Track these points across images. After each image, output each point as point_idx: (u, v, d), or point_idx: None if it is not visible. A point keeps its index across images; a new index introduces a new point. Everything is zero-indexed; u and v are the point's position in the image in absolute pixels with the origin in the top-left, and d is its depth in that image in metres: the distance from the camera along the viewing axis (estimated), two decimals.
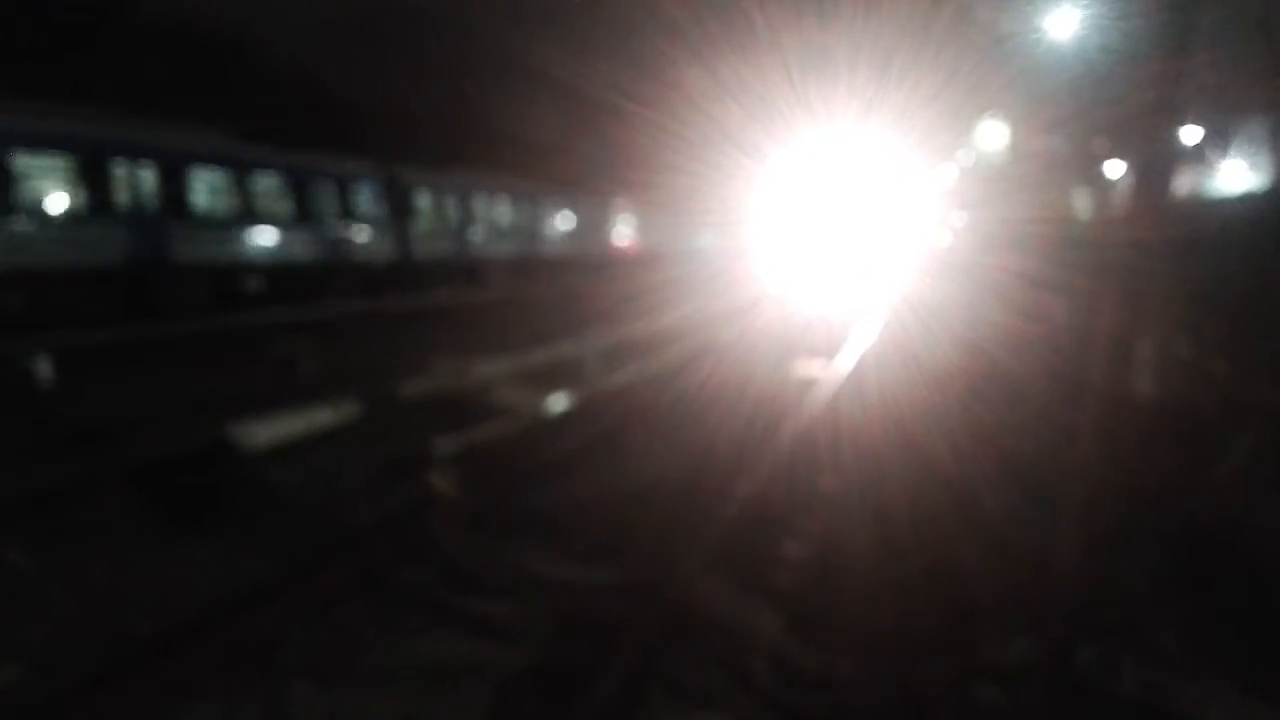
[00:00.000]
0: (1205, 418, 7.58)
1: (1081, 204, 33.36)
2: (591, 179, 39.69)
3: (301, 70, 35.70)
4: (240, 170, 23.17)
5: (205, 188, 22.30)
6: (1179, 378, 8.10)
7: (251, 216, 23.35)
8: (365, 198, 27.87)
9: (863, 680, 4.95)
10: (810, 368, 13.91)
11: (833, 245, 33.50)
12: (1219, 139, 31.70)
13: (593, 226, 40.00)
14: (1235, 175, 32.33)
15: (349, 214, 26.97)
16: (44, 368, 10.22)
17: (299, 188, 25.10)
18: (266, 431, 9.12)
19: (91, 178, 19.17)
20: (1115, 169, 29.70)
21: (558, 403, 10.16)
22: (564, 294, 26.59)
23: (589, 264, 37.47)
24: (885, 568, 6.13)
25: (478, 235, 32.94)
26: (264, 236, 23.66)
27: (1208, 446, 7.25)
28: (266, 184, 24.05)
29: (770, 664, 5.07)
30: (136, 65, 28.53)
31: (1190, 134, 30.53)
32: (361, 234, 27.40)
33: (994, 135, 37.52)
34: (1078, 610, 4.74)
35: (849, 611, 5.62)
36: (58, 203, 18.59)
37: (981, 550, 6.31)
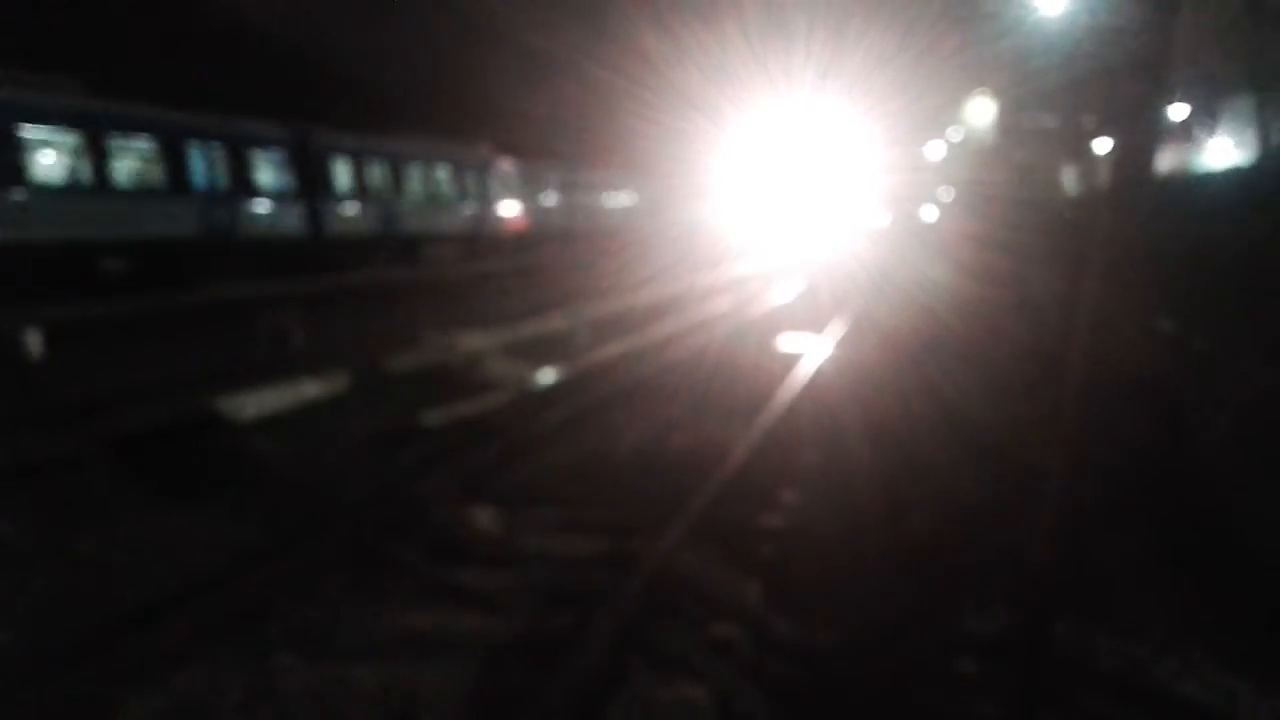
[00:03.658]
0: (1184, 393, 7.65)
1: (1069, 179, 33.45)
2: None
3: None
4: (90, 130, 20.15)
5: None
6: (1159, 351, 8.17)
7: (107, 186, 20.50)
8: (266, 165, 24.79)
9: (842, 643, 5.03)
10: (795, 342, 14.07)
11: (803, 217, 33.68)
12: (1205, 116, 31.79)
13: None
14: (1220, 151, 32.45)
15: (243, 183, 23.94)
16: (34, 341, 10.20)
17: (170, 152, 21.97)
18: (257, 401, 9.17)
19: None
20: (1103, 145, 29.73)
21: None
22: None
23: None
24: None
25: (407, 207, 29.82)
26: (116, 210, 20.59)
27: (1187, 421, 7.32)
28: (127, 147, 21.14)
29: (750, 628, 5.14)
30: None
31: (1177, 111, 30.63)
32: (259, 206, 24.49)
33: (982, 111, 37.55)
34: (1047, 580, 4.79)
35: (828, 583, 5.73)
36: None
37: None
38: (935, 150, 49.34)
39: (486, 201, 34.27)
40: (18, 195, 18.37)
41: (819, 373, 11.96)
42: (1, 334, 10.61)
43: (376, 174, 28.60)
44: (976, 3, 26.40)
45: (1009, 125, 34.39)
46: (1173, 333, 8.67)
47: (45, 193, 19.02)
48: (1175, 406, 7.41)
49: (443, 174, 31.98)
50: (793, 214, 34.54)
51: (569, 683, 4.42)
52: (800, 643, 5.09)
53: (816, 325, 16.22)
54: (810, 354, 13.14)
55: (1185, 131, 32.28)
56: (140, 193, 21.13)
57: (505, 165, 35.43)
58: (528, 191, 36.70)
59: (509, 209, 35.81)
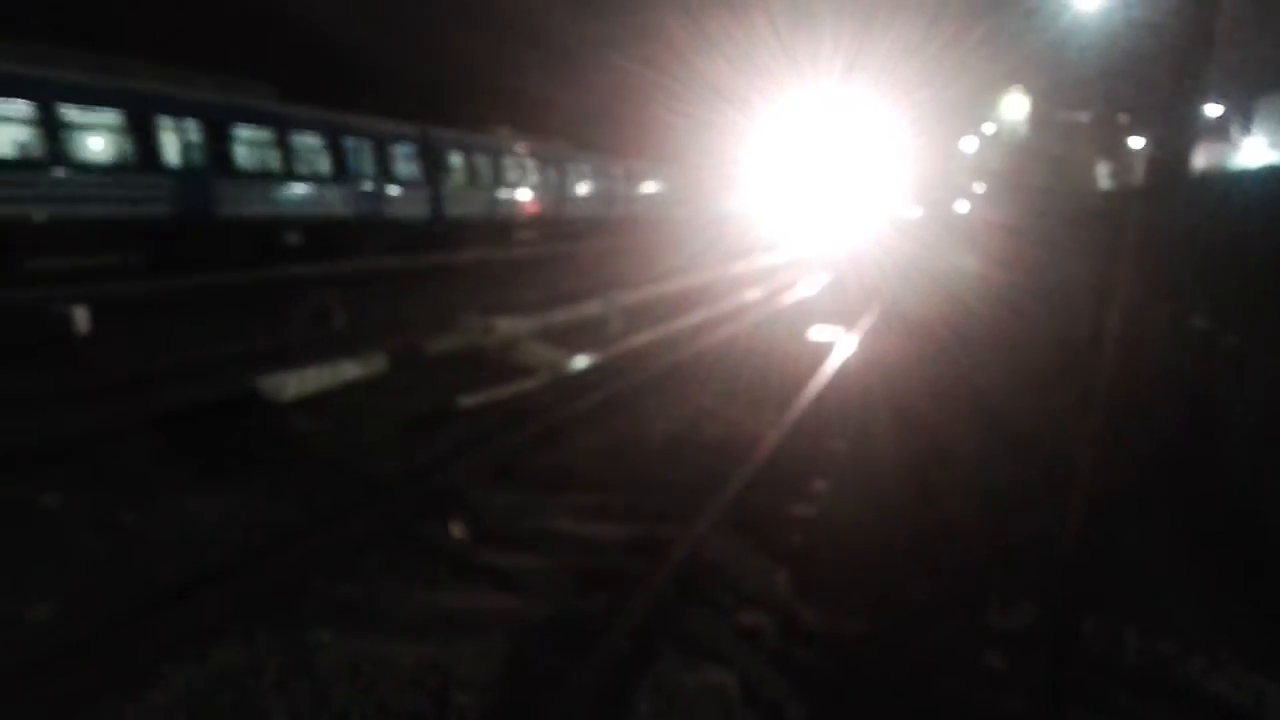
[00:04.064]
0: (1215, 388, 7.63)
1: (1102, 174, 33.23)
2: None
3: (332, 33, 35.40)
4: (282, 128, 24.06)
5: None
6: (1191, 346, 8.15)
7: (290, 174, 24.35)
8: (402, 158, 28.46)
9: (869, 632, 5.07)
10: (826, 333, 14.09)
11: (833, 208, 33.57)
12: (1241, 114, 31.47)
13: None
14: (1255, 149, 32.13)
15: (385, 174, 27.66)
16: (81, 317, 10.34)
17: (334, 147, 25.82)
18: (296, 383, 9.27)
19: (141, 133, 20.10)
20: (1137, 141, 29.53)
21: None
22: None
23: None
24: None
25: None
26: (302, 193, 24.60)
27: (1218, 416, 7.31)
28: (304, 143, 25.09)
29: (778, 615, 5.19)
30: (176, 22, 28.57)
31: (1212, 108, 30.33)
32: (396, 192, 28.08)
33: (1016, 105, 37.37)
34: (1076, 573, 4.80)
35: (857, 572, 5.77)
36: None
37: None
38: (969, 143, 49.14)
39: (565, 190, 37.98)
40: (229, 182, 22.54)
41: (849, 362, 11.98)
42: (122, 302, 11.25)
43: (481, 166, 32.38)
44: None
45: (1043, 120, 34.20)
46: (1205, 328, 8.64)
47: (248, 178, 23.21)
48: (1206, 402, 7.40)
49: (531, 166, 35.62)
50: (823, 205, 34.41)
51: (598, 664, 4.49)
52: (828, 631, 5.14)
53: (847, 315, 16.24)
54: (841, 343, 13.15)
55: (1221, 129, 32.00)
56: (313, 180, 25.03)
57: (580, 160, 38.82)
58: (590, 182, 39.79)
59: (582, 197, 39.33)
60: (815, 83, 29.19)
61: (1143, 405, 5.99)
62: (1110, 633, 5.04)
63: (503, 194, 33.66)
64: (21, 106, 17.90)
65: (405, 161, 28.68)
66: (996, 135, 40.99)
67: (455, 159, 30.93)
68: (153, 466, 7.44)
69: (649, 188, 45.24)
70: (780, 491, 7.13)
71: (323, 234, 24.95)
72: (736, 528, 6.40)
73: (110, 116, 19.70)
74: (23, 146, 18.04)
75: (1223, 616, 5.24)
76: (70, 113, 18.76)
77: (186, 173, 21.32)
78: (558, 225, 36.83)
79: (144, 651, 4.68)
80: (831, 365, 11.55)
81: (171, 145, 21.12)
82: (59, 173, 18.41)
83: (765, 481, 7.28)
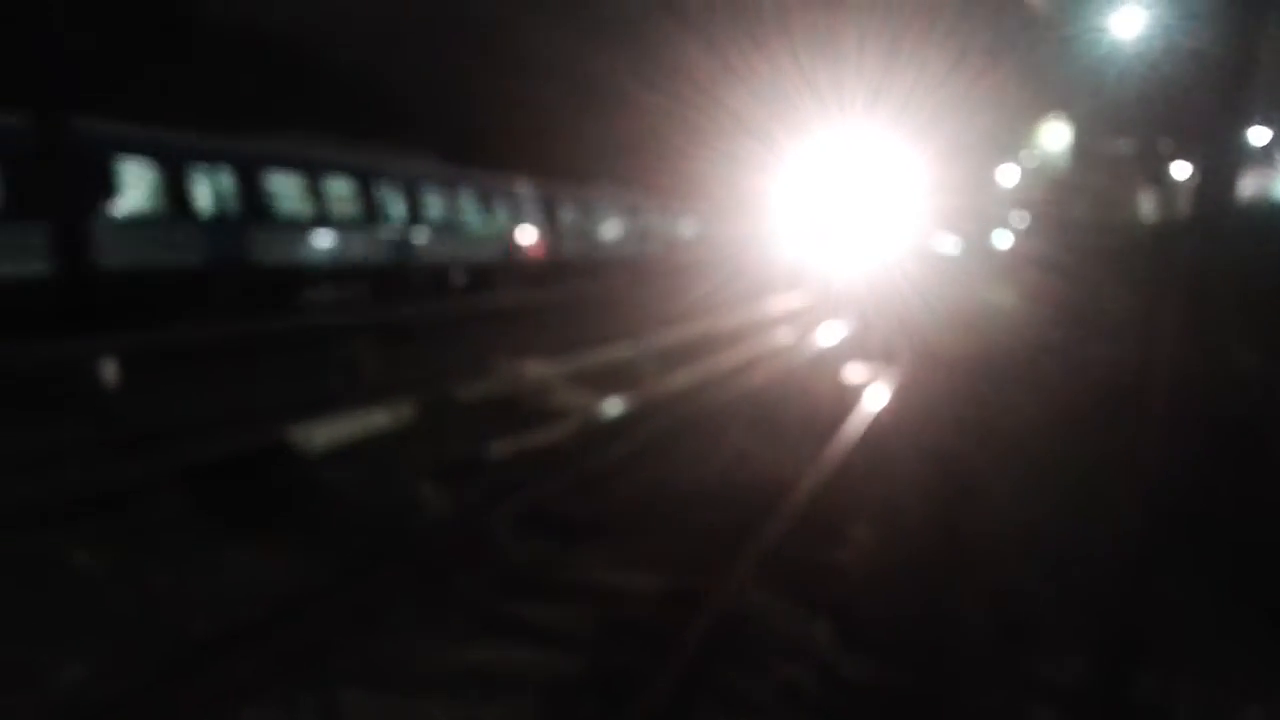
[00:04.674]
0: (1267, 429, 7.40)
1: (1147, 205, 32.81)
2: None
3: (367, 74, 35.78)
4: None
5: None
6: (1241, 385, 7.93)
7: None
8: (530, 209, 32.59)
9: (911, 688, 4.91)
10: (860, 372, 13.96)
11: (863, 243, 33.27)
12: None
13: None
14: None
15: (517, 223, 31.76)
16: (109, 368, 10.37)
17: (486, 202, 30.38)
18: (328, 432, 9.25)
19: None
20: (1181, 170, 29.15)
21: None
22: None
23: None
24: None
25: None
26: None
27: (1272, 459, 7.08)
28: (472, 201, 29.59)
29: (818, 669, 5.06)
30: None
31: (1258, 135, 29.96)
32: (524, 238, 32.04)
33: (1056, 135, 37.10)
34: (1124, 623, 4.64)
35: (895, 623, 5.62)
36: None
37: None
38: (1005, 172, 48.82)
39: (641, 237, 41.20)
40: (424, 232, 26.66)
41: (884, 402, 11.83)
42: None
43: (572, 214, 36.07)
44: (1049, 24, 26.06)
45: (1083, 151, 33.91)
46: (1255, 366, 8.41)
47: (435, 229, 27.34)
48: (1258, 443, 7.17)
49: (611, 214, 39.18)
50: (851, 239, 34.16)
51: None
52: (869, 686, 4.99)
53: (880, 354, 16.03)
54: (875, 383, 13.01)
55: (1267, 157, 31.56)
56: (474, 230, 29.71)
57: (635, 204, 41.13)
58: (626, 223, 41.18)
59: (654, 240, 41.92)
60: (840, 113, 29.02)
61: (1189, 446, 5.81)
62: (1162, 683, 4.85)
63: (599, 238, 37.51)
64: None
65: (533, 212, 32.69)
66: (1035, 167, 40.73)
67: (567, 211, 35.11)
68: (183, 519, 7.41)
69: (679, 226, 45.55)
70: (818, 538, 7.01)
71: (483, 275, 28.76)
72: (774, 576, 6.27)
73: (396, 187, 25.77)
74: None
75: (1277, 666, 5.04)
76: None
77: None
78: (632, 267, 38.37)
79: (176, 714, 4.62)
80: (866, 406, 11.43)
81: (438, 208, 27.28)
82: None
83: (802, 527, 7.16)
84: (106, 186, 17.87)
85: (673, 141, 34.23)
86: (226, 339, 13.71)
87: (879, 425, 10.75)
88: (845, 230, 34.49)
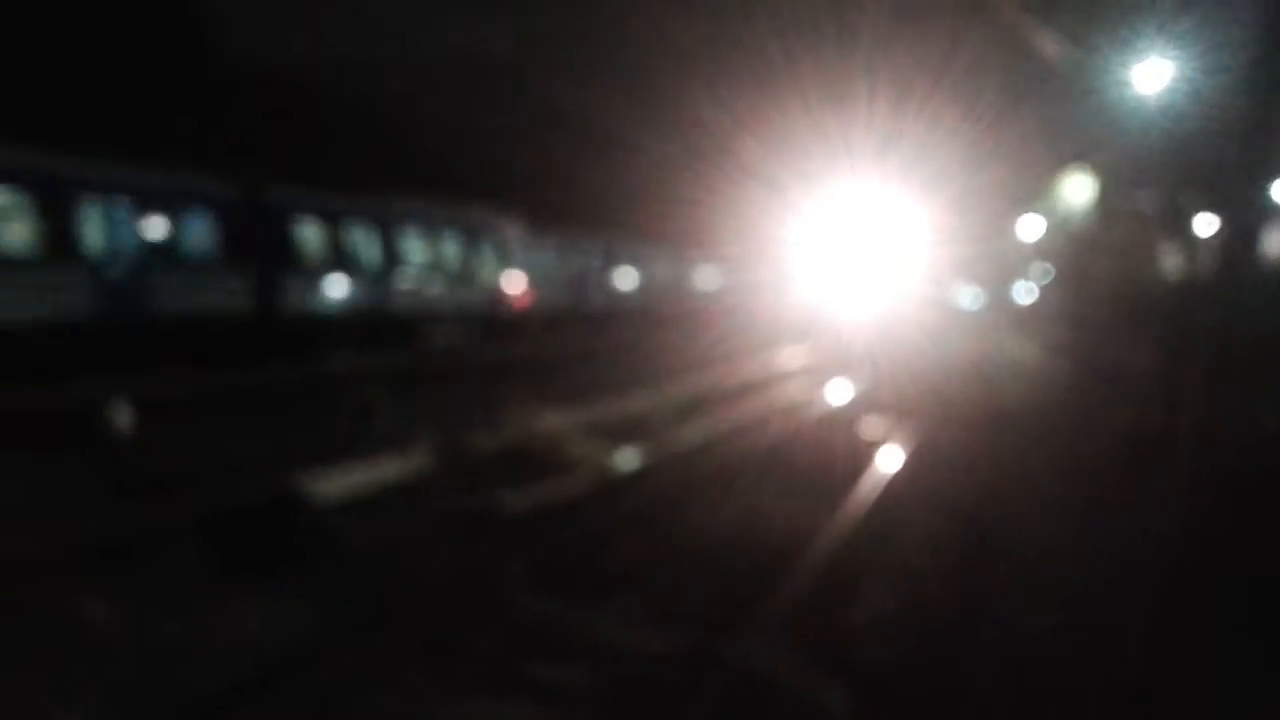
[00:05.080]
0: None
1: (1170, 262, 32.61)
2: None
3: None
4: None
5: None
6: (1265, 445, 7.78)
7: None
8: (592, 260, 37.92)
9: None
10: (876, 427, 13.83)
11: (877, 296, 33.05)
12: None
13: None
14: None
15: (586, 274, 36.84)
16: (123, 416, 10.38)
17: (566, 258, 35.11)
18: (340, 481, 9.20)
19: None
20: (1205, 225, 28.99)
21: None
22: None
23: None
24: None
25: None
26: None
27: None
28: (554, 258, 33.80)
29: None
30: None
31: None
32: (589, 289, 37.66)
33: (1079, 187, 36.98)
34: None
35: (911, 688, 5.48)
36: None
37: None
38: (1026, 223, 48.67)
39: (681, 285, 44.73)
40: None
41: (900, 458, 11.71)
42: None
43: (628, 265, 40.24)
44: (1073, 78, 26.06)
45: (1106, 202, 33.81)
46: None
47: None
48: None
49: (667, 267, 43.61)
50: (867, 290, 33.98)
51: None
52: None
53: (896, 409, 15.80)
54: (891, 438, 12.88)
55: None
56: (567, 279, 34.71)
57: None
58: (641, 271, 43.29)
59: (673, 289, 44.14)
60: (854, 163, 28.99)
61: (1213, 510, 5.69)
62: None
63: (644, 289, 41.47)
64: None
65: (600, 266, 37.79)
66: (1058, 221, 40.62)
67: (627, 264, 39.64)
68: (192, 570, 7.35)
69: (696, 277, 46.52)
70: (833, 597, 6.87)
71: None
72: (788, 636, 6.15)
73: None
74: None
75: None
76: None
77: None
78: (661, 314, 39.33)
79: None
80: (882, 462, 11.30)
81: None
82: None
83: (817, 586, 7.03)
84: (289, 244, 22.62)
85: (685, 191, 34.30)
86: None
87: (901, 478, 10.61)
88: (861, 280, 34.39)
